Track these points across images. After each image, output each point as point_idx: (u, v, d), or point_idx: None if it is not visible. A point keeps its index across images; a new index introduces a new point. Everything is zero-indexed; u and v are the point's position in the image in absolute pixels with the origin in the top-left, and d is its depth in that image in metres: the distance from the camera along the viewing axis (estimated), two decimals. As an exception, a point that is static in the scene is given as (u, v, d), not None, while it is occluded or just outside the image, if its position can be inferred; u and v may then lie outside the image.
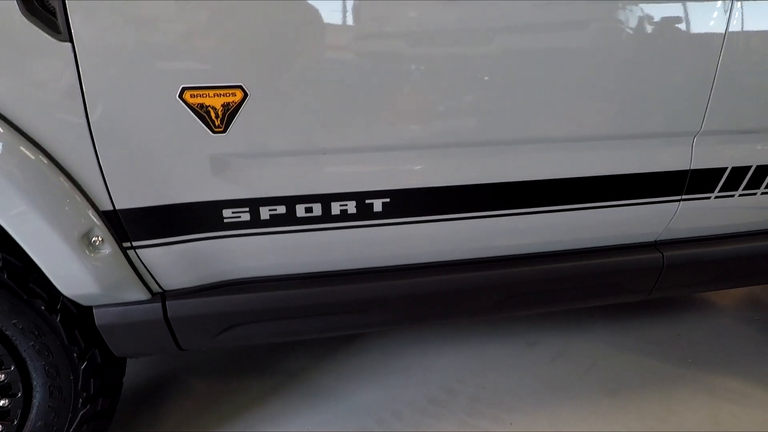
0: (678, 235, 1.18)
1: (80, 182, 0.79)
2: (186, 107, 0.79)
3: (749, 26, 0.97)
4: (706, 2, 0.93)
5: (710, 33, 0.95)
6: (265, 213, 0.89)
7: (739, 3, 0.94)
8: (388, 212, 0.94)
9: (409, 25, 0.83)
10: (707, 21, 0.94)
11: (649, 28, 0.93)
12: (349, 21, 0.81)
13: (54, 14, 0.71)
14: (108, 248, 0.83)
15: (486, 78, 0.90)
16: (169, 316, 0.93)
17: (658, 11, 0.92)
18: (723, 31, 0.95)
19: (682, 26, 0.94)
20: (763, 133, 1.08)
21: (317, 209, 0.91)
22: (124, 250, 0.85)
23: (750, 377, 1.62)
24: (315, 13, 0.79)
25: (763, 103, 1.05)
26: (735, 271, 1.26)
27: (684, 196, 1.09)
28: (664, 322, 1.96)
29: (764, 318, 1.99)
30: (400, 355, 1.73)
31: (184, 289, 0.94)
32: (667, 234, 1.16)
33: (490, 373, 1.65)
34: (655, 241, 1.18)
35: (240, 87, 0.79)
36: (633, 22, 0.92)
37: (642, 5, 0.90)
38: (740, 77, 1.01)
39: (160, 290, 0.94)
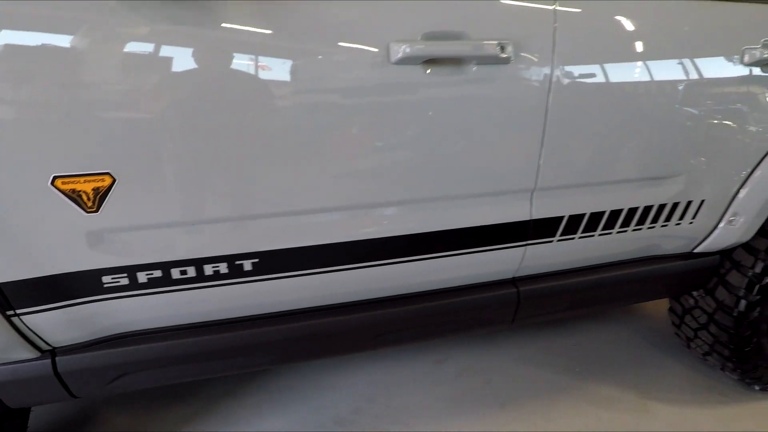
0: (532, 272, 1.35)
1: (-40, 261, 0.89)
2: (59, 192, 0.89)
3: (569, 95, 1.14)
4: (531, 69, 1.10)
5: (535, 105, 1.12)
6: (142, 277, 1.00)
7: (558, 71, 1.11)
8: (258, 270, 1.07)
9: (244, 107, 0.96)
10: (531, 97, 1.11)
11: (484, 108, 1.09)
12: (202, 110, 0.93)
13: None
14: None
15: (341, 146, 1.04)
16: (59, 370, 1.03)
17: (491, 92, 1.08)
18: (545, 103, 1.12)
19: (513, 103, 1.11)
20: (592, 186, 1.26)
21: (191, 271, 1.03)
22: (8, 318, 0.95)
23: (626, 384, 1.84)
24: (172, 109, 0.91)
25: (588, 160, 1.23)
26: (585, 299, 1.45)
27: (530, 242, 1.26)
28: (564, 334, 2.16)
29: (654, 326, 2.22)
30: (317, 376, 1.86)
31: (72, 345, 1.04)
32: (521, 272, 1.34)
33: (397, 391, 1.80)
34: (513, 277, 1.35)
35: (108, 173, 0.90)
36: (472, 100, 1.08)
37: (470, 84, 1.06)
38: (565, 139, 1.18)
39: (49, 347, 1.04)
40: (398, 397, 1.77)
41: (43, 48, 0.82)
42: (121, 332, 1.07)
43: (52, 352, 1.03)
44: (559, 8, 1.09)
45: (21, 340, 0.98)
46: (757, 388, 1.75)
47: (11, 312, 0.95)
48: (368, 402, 1.74)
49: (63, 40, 0.83)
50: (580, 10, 1.12)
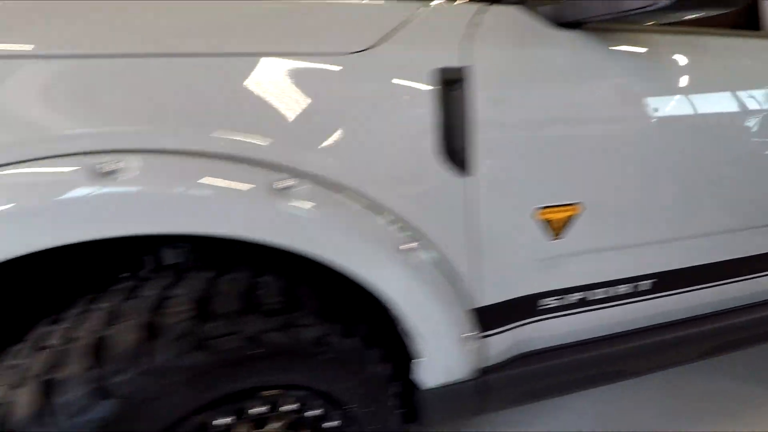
0: None
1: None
2: (534, 222, 0.98)
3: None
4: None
5: None
6: (569, 299, 1.10)
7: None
8: (651, 290, 1.17)
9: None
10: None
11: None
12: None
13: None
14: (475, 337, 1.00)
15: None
16: (485, 387, 1.09)
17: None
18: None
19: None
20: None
21: (603, 293, 1.12)
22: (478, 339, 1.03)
23: None
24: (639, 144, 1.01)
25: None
26: None
27: None
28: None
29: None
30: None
31: (496, 364, 1.10)
32: None
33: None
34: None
35: (580, 203, 1.00)
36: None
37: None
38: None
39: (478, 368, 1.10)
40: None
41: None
42: (529, 350, 1.15)
43: (482, 371, 1.10)
44: None
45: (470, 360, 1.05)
46: None
47: (477, 334, 1.03)
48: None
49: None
50: None
